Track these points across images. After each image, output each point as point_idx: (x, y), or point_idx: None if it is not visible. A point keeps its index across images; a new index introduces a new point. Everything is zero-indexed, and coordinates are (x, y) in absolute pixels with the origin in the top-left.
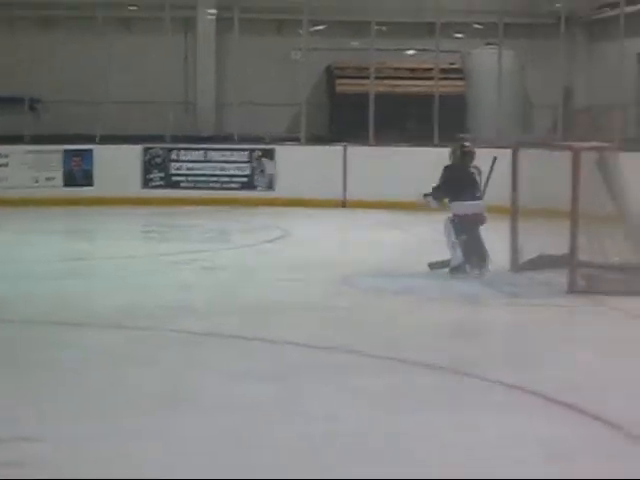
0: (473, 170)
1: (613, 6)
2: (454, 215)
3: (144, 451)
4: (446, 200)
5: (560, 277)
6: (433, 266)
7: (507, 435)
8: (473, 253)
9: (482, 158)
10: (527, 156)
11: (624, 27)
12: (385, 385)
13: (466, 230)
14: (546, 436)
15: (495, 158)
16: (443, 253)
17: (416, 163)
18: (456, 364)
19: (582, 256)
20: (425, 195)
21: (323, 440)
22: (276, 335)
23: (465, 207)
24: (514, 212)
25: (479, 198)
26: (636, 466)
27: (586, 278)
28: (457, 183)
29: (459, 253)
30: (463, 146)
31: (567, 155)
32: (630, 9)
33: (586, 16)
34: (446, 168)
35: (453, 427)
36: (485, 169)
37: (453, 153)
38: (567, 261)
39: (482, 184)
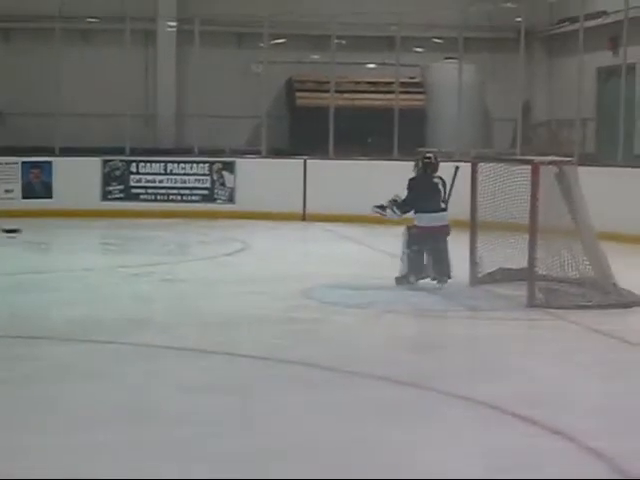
0: (437, 180)
1: (572, 21)
2: (416, 227)
3: (101, 465)
4: (406, 212)
5: (519, 291)
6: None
7: (462, 448)
8: (435, 264)
9: (443, 170)
10: (486, 170)
11: (583, 42)
12: (342, 398)
13: (425, 242)
14: (502, 448)
15: (457, 168)
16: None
17: (376, 176)
18: (413, 377)
19: (541, 270)
20: (380, 207)
21: (279, 454)
22: (236, 348)
23: (429, 219)
24: (473, 225)
25: (444, 210)
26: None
27: (545, 292)
28: (422, 194)
29: (405, 264)
30: (425, 157)
31: (526, 169)
32: (589, 24)
33: (546, 30)
34: (411, 180)
35: (408, 440)
36: (448, 180)
37: (416, 165)
38: (526, 275)
39: (446, 195)
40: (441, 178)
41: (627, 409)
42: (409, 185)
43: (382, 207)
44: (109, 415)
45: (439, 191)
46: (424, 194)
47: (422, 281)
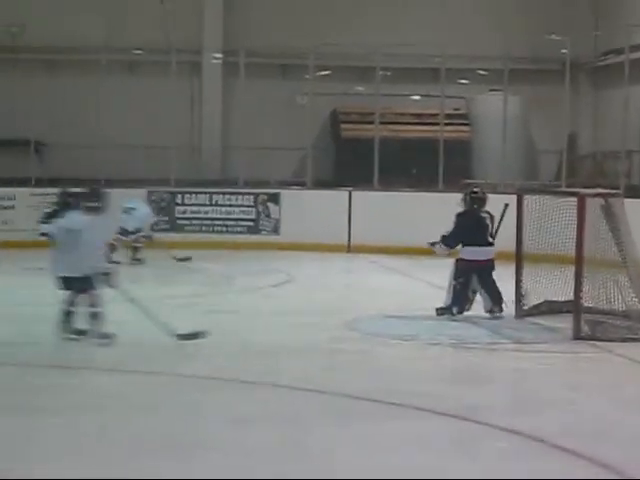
0: (485, 215)
1: (618, 52)
2: (462, 259)
3: None
4: (453, 247)
5: (565, 323)
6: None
7: None
8: (488, 296)
9: (491, 204)
10: (532, 202)
11: (629, 73)
12: (388, 431)
13: (470, 275)
14: None
15: (507, 205)
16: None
17: (420, 208)
18: (458, 410)
19: (587, 302)
20: (432, 244)
21: None
22: (281, 379)
23: (474, 253)
24: (519, 258)
25: (490, 244)
26: None
27: (591, 324)
28: (468, 229)
29: (449, 295)
30: (473, 192)
31: (572, 201)
32: (635, 55)
33: (591, 62)
34: (458, 215)
35: (457, 472)
36: (496, 215)
37: (463, 199)
38: (572, 307)
39: (493, 230)
40: (489, 213)
41: None
42: (456, 220)
43: (433, 243)
44: (157, 446)
45: (486, 226)
46: (470, 228)
47: (466, 313)
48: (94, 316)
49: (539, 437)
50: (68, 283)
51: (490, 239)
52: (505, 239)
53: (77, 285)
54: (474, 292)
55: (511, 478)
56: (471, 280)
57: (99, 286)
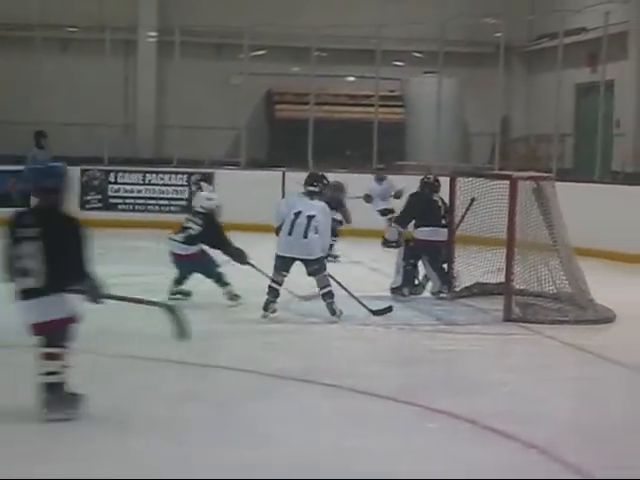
0: (436, 199)
1: (552, 37)
2: (415, 239)
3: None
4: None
5: (496, 305)
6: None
7: (438, 461)
8: (440, 278)
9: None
10: (464, 184)
11: (562, 58)
12: (319, 410)
13: (420, 256)
14: (478, 462)
15: (473, 199)
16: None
17: (354, 188)
18: (391, 391)
19: (518, 285)
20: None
21: (263, 464)
22: (214, 359)
23: (427, 233)
24: (451, 240)
25: (444, 226)
26: None
27: (521, 307)
28: (418, 209)
29: (400, 276)
30: (425, 177)
31: (504, 184)
32: (568, 40)
33: (525, 46)
34: (410, 195)
35: (385, 451)
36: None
37: (420, 183)
38: (503, 289)
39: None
40: (441, 199)
41: (601, 424)
42: (407, 199)
43: (390, 218)
44: (97, 423)
45: (438, 207)
46: (420, 209)
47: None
48: (327, 295)
49: (470, 418)
50: (289, 264)
51: (443, 221)
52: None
53: (308, 267)
54: (426, 277)
55: (439, 458)
56: (421, 261)
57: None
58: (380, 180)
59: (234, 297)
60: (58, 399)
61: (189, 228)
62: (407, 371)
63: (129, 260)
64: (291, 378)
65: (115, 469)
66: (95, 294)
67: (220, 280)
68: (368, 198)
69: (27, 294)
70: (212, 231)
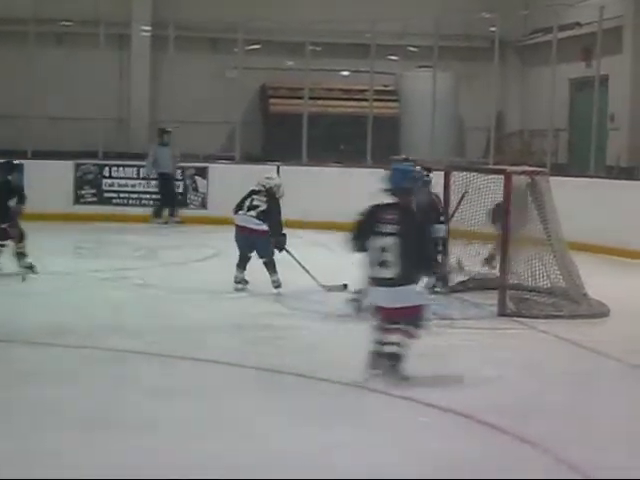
0: (434, 197)
1: (546, 31)
2: None
3: (67, 470)
4: None
5: (490, 300)
6: (330, 289)
7: (429, 454)
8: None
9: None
10: (459, 178)
11: (557, 52)
12: (312, 405)
13: None
14: (470, 457)
15: (465, 192)
16: None
17: (348, 183)
18: (383, 385)
19: (512, 279)
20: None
21: (248, 457)
22: (204, 353)
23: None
24: (445, 234)
25: (442, 222)
26: None
27: (515, 301)
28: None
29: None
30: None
31: (498, 178)
32: (563, 34)
33: (520, 41)
34: None
35: (378, 447)
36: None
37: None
38: (497, 284)
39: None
40: (437, 194)
41: (594, 418)
42: None
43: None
44: (75, 419)
45: (436, 204)
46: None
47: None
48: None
49: (464, 413)
50: None
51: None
52: None
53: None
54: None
55: (431, 452)
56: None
57: None
58: None
59: (279, 285)
60: (393, 367)
61: (258, 206)
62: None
63: (123, 254)
64: (281, 372)
65: (99, 467)
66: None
67: (272, 264)
68: None
69: (386, 283)
70: (272, 209)
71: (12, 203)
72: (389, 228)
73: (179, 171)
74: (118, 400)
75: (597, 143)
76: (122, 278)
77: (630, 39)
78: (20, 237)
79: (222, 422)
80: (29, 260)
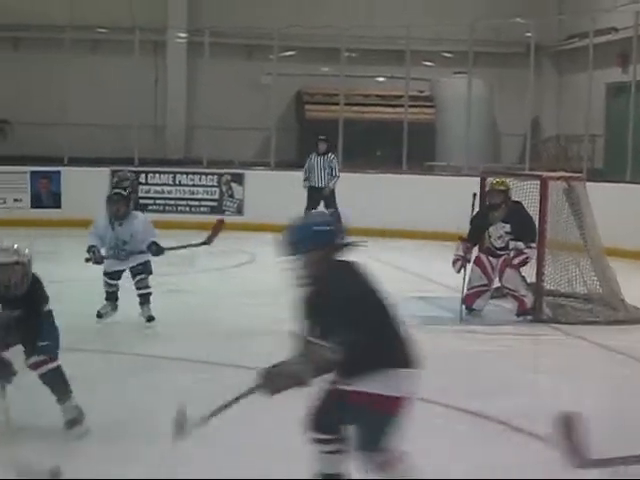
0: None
1: (582, 36)
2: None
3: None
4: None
5: None
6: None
7: (465, 461)
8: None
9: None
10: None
11: (593, 58)
12: None
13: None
14: (506, 463)
15: (475, 194)
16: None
17: (384, 189)
18: (422, 392)
19: (548, 285)
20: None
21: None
22: (242, 360)
23: None
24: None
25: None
26: None
27: (552, 307)
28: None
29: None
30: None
31: (535, 184)
32: (599, 40)
33: (555, 46)
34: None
35: (418, 454)
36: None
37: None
38: (534, 290)
39: None
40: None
41: (632, 425)
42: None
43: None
44: (110, 425)
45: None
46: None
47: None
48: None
49: (499, 419)
50: None
51: None
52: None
53: None
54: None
55: (467, 458)
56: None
57: None
58: None
59: None
60: None
61: None
62: (435, 372)
63: (158, 260)
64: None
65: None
66: None
67: None
68: None
69: None
70: None
71: None
72: None
73: (215, 177)
74: (151, 406)
75: (634, 148)
76: (157, 284)
77: None
78: None
79: (258, 426)
80: None
